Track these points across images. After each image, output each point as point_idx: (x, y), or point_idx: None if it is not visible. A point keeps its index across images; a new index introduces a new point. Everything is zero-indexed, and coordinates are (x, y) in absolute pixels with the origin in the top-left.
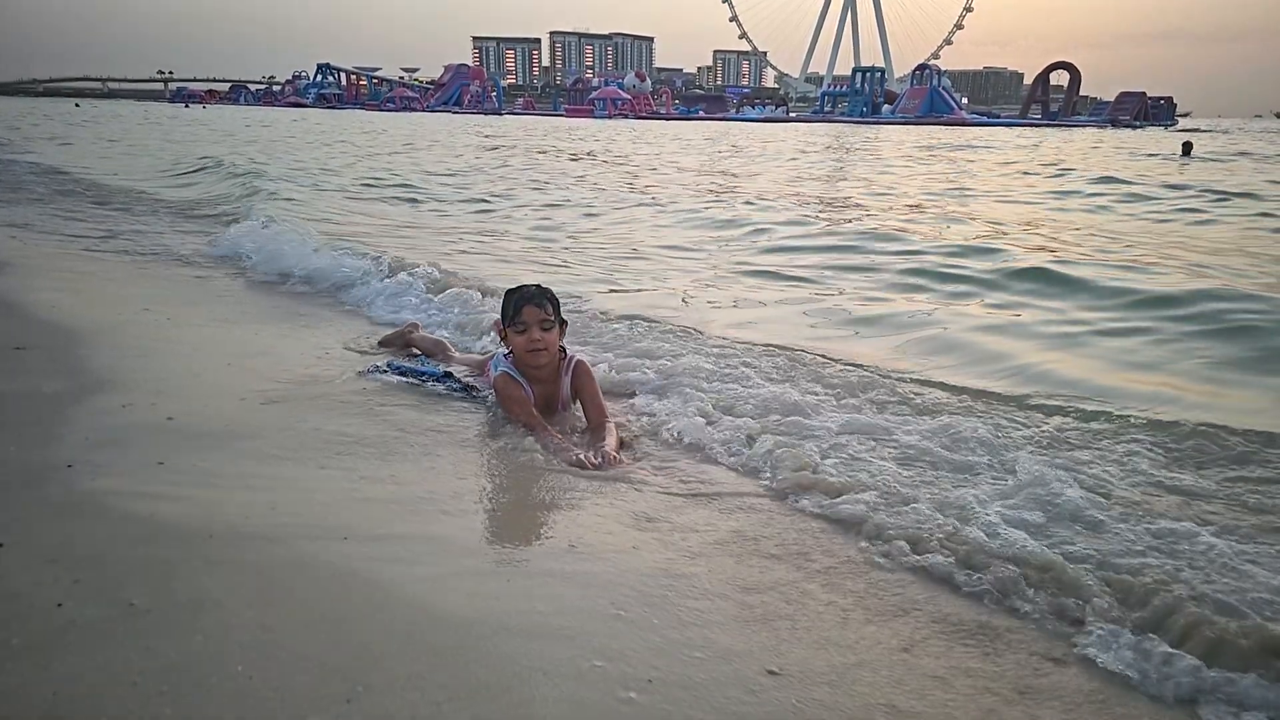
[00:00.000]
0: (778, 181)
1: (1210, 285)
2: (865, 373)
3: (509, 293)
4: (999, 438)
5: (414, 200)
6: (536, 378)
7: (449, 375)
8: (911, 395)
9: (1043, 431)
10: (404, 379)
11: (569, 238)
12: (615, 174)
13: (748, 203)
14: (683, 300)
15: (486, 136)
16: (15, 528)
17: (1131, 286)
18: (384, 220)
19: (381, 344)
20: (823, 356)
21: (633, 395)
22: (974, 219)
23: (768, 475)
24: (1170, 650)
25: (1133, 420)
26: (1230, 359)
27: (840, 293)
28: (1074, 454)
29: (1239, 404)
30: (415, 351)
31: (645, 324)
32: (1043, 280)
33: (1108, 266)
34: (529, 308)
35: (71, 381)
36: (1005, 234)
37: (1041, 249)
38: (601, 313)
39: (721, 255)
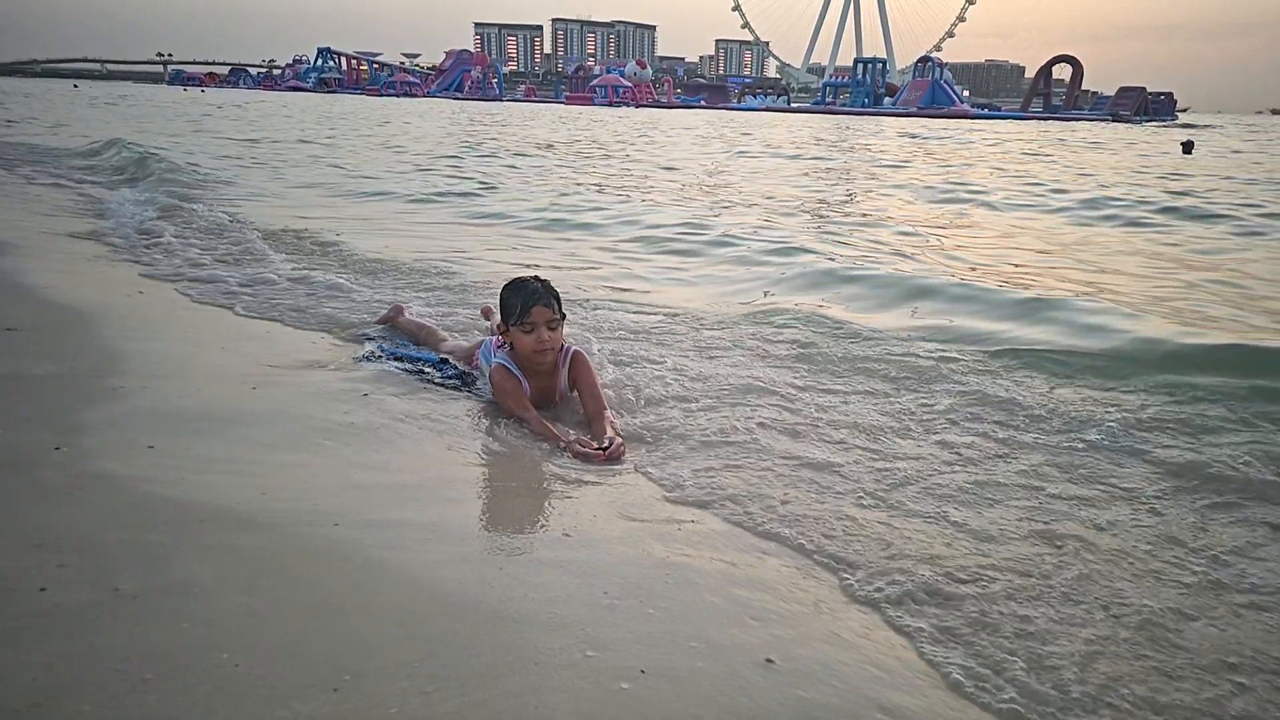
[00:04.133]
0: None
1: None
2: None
3: (512, 289)
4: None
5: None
6: (535, 371)
7: (445, 363)
8: (882, 373)
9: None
10: (399, 366)
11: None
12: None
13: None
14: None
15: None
16: (1, 511)
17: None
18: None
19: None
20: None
21: (624, 387)
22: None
23: (763, 470)
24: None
25: None
26: None
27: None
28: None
29: None
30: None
31: (619, 315)
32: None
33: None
34: (539, 308)
35: (62, 364)
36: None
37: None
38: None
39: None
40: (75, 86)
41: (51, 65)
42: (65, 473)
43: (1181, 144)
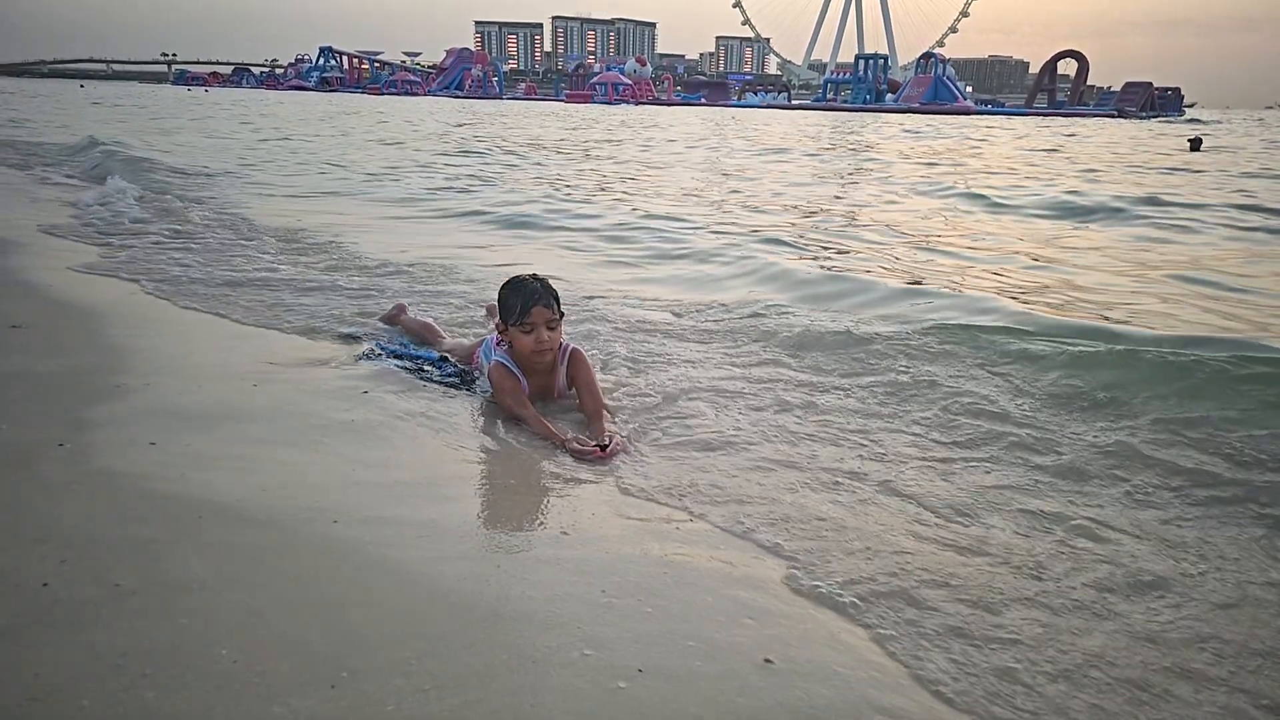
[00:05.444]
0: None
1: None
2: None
3: (511, 288)
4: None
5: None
6: (534, 369)
7: (444, 360)
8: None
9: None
10: (399, 364)
11: None
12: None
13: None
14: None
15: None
16: (4, 507)
17: None
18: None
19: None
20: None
21: (621, 386)
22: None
23: (760, 470)
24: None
25: None
26: None
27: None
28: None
29: None
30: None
31: (613, 311)
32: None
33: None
34: (538, 309)
35: (66, 361)
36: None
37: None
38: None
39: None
40: (81, 86)
41: (58, 66)
42: (68, 469)
43: (1189, 140)
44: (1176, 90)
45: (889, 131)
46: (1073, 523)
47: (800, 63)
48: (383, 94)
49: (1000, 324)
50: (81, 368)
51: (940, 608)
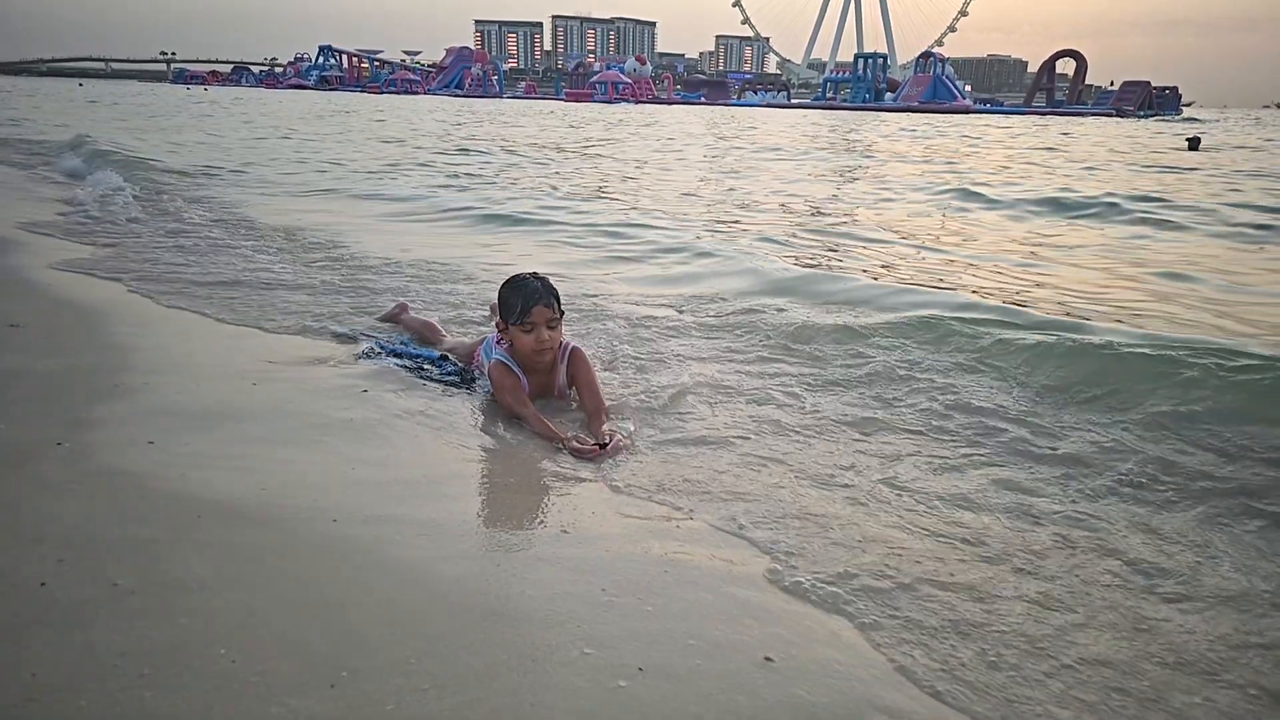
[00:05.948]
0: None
1: None
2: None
3: (512, 287)
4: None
5: None
6: (534, 368)
7: (444, 359)
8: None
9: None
10: (398, 363)
11: None
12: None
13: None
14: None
15: None
16: (2, 506)
17: None
18: None
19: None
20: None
21: (620, 385)
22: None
23: (760, 469)
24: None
25: None
26: None
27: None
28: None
29: None
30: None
31: (606, 309)
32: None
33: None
34: (539, 308)
35: (64, 360)
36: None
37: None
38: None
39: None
40: (80, 85)
41: (57, 64)
42: (67, 468)
43: (1187, 140)
44: (1174, 89)
45: (887, 130)
46: (1069, 516)
47: (800, 62)
48: (382, 93)
49: (995, 319)
50: (80, 367)
51: (938, 603)
